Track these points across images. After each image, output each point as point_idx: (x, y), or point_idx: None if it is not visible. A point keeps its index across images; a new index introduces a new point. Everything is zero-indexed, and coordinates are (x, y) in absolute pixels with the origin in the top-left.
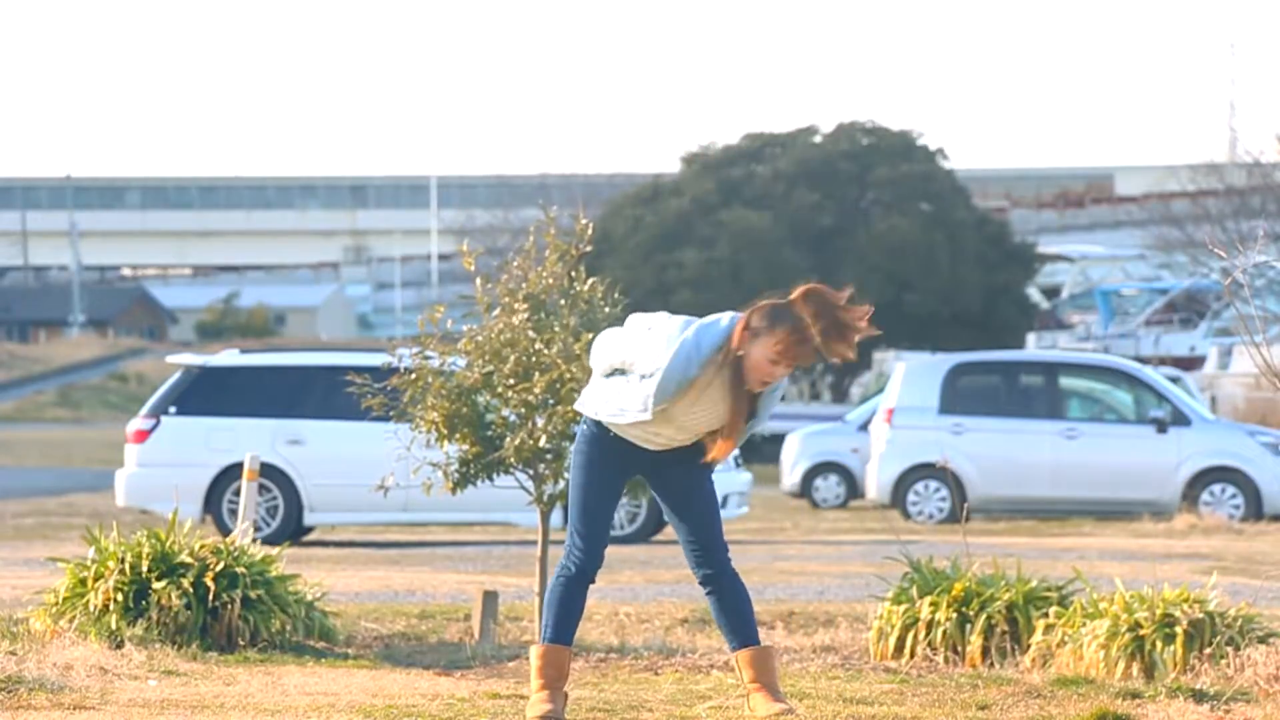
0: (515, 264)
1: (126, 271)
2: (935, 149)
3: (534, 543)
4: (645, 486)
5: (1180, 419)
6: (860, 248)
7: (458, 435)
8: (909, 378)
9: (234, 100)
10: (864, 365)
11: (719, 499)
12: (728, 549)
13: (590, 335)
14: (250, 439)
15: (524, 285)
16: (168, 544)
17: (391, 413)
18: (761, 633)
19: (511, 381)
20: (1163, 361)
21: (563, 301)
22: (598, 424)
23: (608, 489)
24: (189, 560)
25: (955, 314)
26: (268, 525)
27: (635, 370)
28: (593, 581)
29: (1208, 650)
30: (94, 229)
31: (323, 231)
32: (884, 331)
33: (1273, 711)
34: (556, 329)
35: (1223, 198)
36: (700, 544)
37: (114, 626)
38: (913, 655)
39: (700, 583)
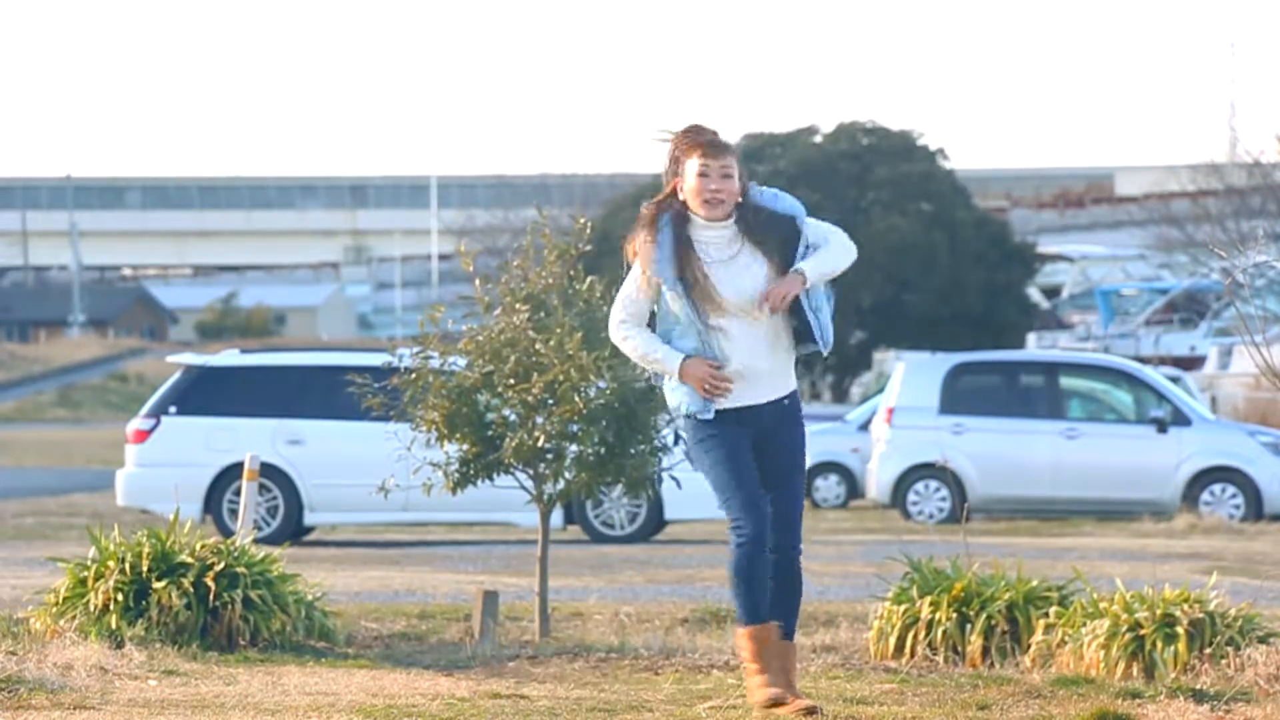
0: (515, 264)
1: (126, 271)
2: (935, 149)
3: (534, 543)
4: (650, 485)
5: (1180, 419)
6: (860, 248)
7: (458, 435)
8: (909, 378)
9: (234, 100)
10: (864, 365)
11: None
12: (799, 540)
13: (583, 334)
14: (250, 439)
15: (524, 285)
16: (168, 544)
17: (391, 413)
18: None
19: (511, 381)
20: (1163, 361)
21: (558, 301)
22: (693, 418)
23: (739, 453)
24: (189, 560)
25: (955, 314)
26: (268, 525)
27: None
28: (769, 547)
29: (1208, 650)
30: (94, 229)
31: (323, 231)
32: (884, 331)
33: (1273, 711)
34: (557, 329)
35: (1223, 198)
36: (775, 521)
37: (114, 626)
38: (913, 655)
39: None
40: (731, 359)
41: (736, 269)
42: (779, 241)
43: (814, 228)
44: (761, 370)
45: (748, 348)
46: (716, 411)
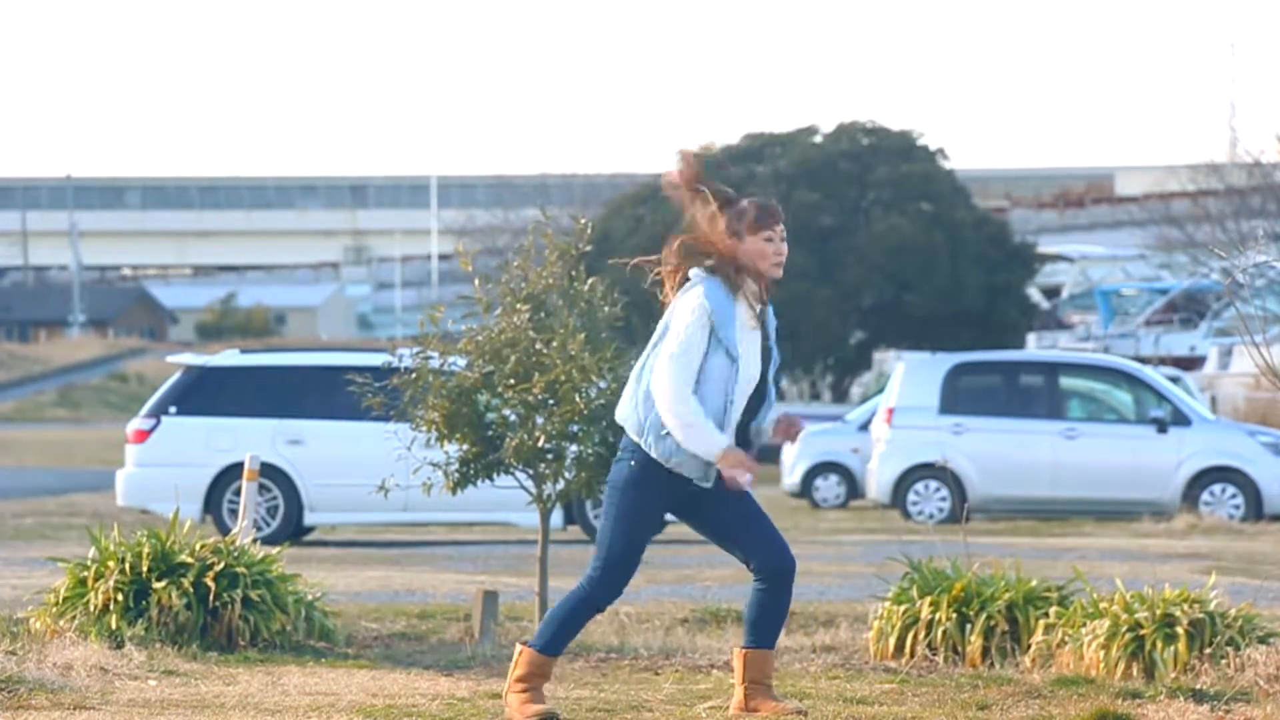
0: (515, 264)
1: (126, 271)
2: (935, 149)
3: (534, 543)
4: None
5: (1180, 419)
6: (860, 248)
7: (458, 435)
8: (909, 378)
9: (234, 100)
10: (864, 365)
11: None
12: (791, 555)
13: (585, 334)
14: (250, 439)
15: (524, 285)
16: (168, 544)
17: (391, 413)
18: None
19: (512, 381)
20: (1163, 361)
21: (560, 301)
22: (646, 461)
23: (653, 525)
24: (189, 560)
25: (955, 314)
26: (268, 525)
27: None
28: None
29: (1208, 650)
30: (94, 229)
31: (323, 231)
32: (884, 331)
33: (1273, 711)
34: (557, 329)
35: (1223, 198)
36: (761, 550)
37: (114, 626)
38: (913, 655)
39: (765, 576)
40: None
41: (754, 341)
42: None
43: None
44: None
45: (729, 426)
46: (665, 471)
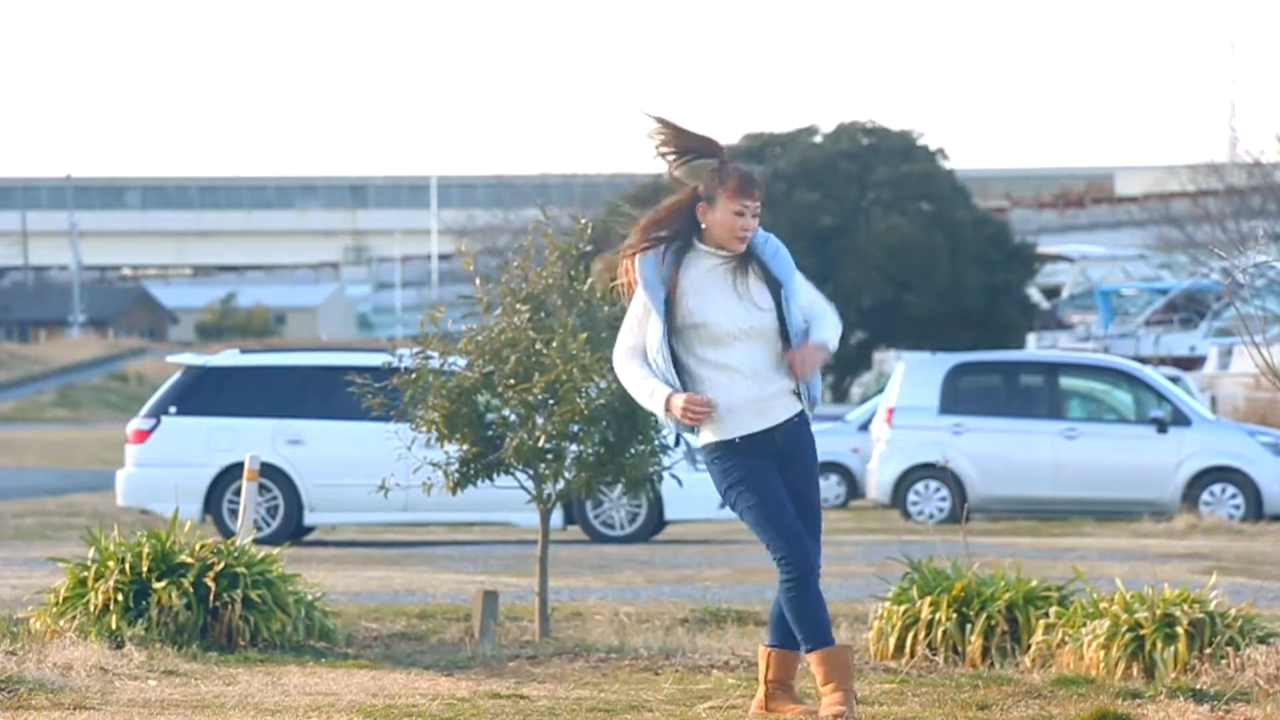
0: (515, 264)
1: (126, 271)
2: (935, 149)
3: (534, 543)
4: (650, 485)
5: (1180, 419)
6: (860, 248)
7: (458, 435)
8: (909, 378)
9: (234, 100)
10: (864, 365)
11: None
12: (820, 558)
13: (587, 334)
14: (250, 439)
15: (524, 285)
16: (168, 544)
17: (391, 413)
18: (761, 631)
19: (511, 381)
20: (1163, 361)
21: (560, 301)
22: (718, 444)
23: (768, 488)
24: (189, 560)
25: (955, 314)
26: (268, 525)
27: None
28: (819, 572)
29: (1208, 650)
30: (94, 229)
31: (323, 231)
32: (884, 331)
33: (1273, 711)
34: (557, 329)
35: (1223, 198)
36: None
37: (114, 626)
38: (913, 655)
39: (794, 579)
40: (736, 387)
41: (732, 298)
42: (772, 281)
43: (802, 286)
44: (767, 395)
45: (748, 376)
46: (732, 442)
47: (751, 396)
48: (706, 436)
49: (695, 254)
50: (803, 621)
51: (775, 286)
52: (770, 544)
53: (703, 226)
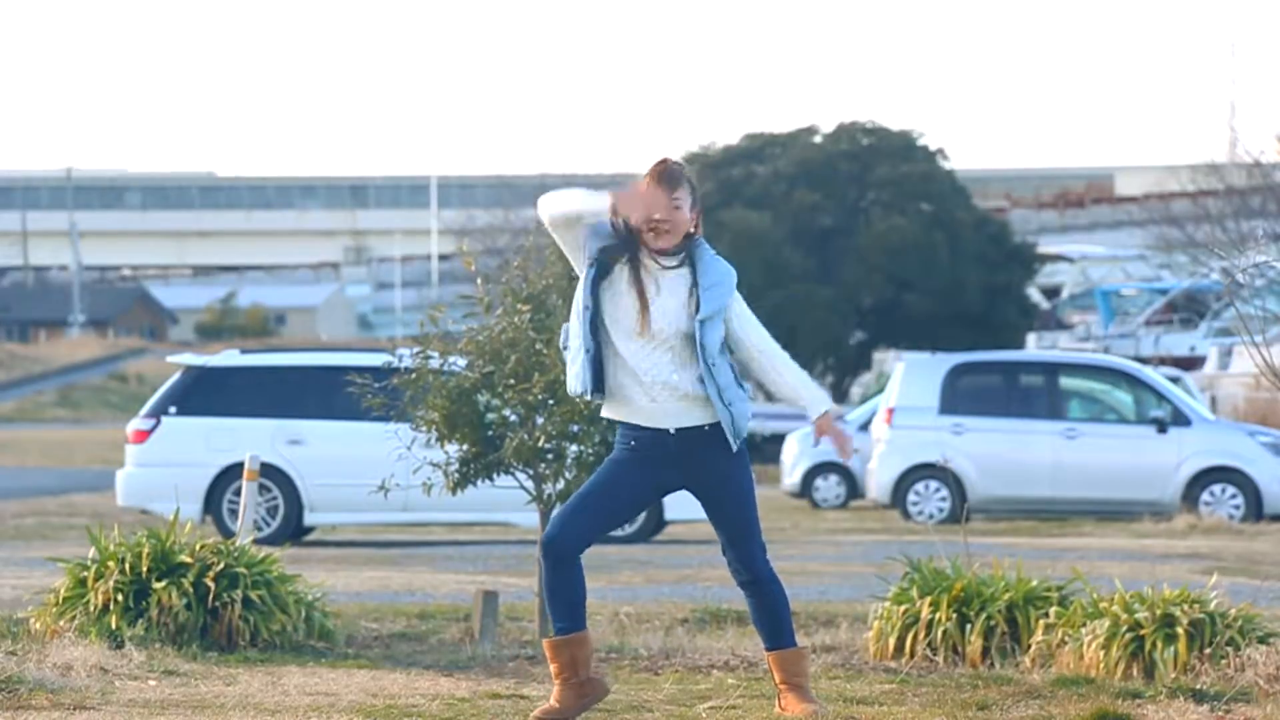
0: (516, 264)
1: (126, 271)
2: (935, 149)
3: (534, 543)
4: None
5: (1180, 419)
6: (860, 248)
7: (458, 435)
8: (909, 378)
9: (234, 100)
10: (864, 365)
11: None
12: (764, 550)
13: None
14: (250, 439)
15: (525, 285)
16: (168, 544)
17: (392, 413)
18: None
19: (511, 382)
20: (1163, 361)
21: (561, 301)
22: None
23: (613, 481)
24: (189, 560)
25: (955, 314)
26: (268, 525)
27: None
28: (572, 558)
29: (1208, 650)
30: (94, 229)
31: (323, 231)
32: (884, 331)
33: (1273, 711)
34: (558, 329)
35: (1223, 198)
36: (732, 545)
37: (114, 626)
38: (913, 655)
39: (738, 584)
40: (641, 377)
41: (663, 297)
42: (705, 288)
43: (740, 305)
44: (673, 395)
45: (653, 371)
46: (630, 431)
47: (653, 388)
48: (574, 384)
49: (620, 261)
50: (547, 603)
51: (711, 289)
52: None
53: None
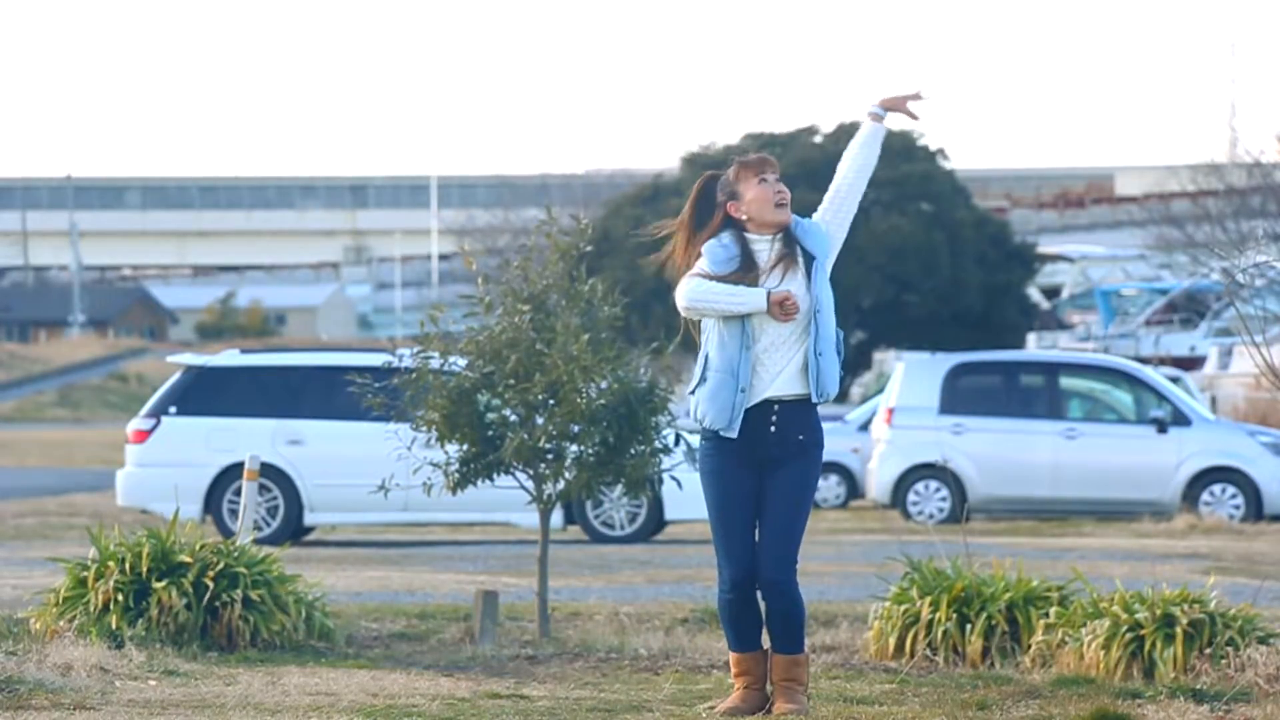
0: (516, 264)
1: (127, 271)
2: (935, 149)
3: (534, 543)
4: (650, 485)
5: (1180, 419)
6: (860, 248)
7: (458, 435)
8: (909, 378)
9: (234, 100)
10: (864, 365)
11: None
12: (789, 573)
13: (588, 335)
14: (250, 439)
15: (525, 285)
16: (168, 544)
17: (392, 413)
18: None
19: (512, 382)
20: (1163, 361)
21: (563, 301)
22: (714, 434)
23: (733, 496)
24: (189, 560)
25: (955, 314)
26: (268, 525)
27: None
28: (755, 589)
29: (1208, 650)
30: (94, 229)
31: (323, 231)
32: (884, 331)
33: (1273, 711)
34: (558, 329)
35: (1223, 198)
36: (760, 549)
37: (114, 626)
38: (913, 655)
39: (759, 585)
40: (762, 367)
41: (774, 282)
42: (807, 263)
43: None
44: (781, 368)
45: (776, 355)
46: (725, 440)
47: (766, 372)
48: (709, 417)
49: (749, 238)
50: (724, 628)
51: (809, 263)
52: (715, 548)
53: (743, 219)
